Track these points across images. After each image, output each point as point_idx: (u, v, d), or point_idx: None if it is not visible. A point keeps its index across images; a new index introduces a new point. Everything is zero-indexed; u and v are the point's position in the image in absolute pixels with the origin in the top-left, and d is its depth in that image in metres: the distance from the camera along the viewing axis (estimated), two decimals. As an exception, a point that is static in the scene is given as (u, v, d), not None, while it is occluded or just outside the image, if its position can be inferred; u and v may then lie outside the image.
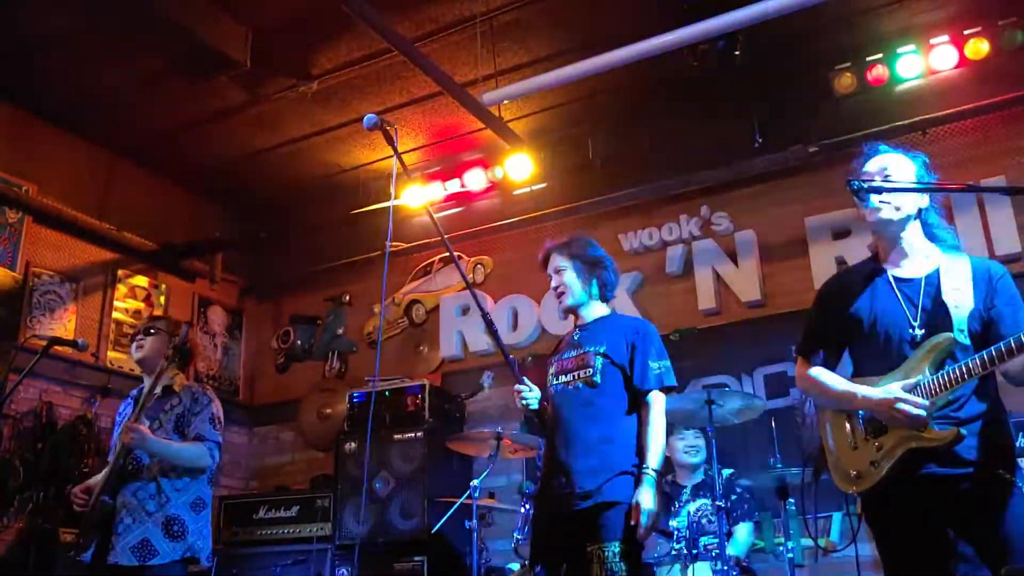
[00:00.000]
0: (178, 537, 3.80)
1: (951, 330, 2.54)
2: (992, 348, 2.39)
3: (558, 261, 3.54)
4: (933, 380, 2.48)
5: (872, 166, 2.75)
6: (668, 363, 3.37)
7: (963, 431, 2.44)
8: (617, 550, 3.02)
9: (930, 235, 2.75)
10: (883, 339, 2.64)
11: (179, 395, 4.01)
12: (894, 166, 2.73)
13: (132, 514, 3.78)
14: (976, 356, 2.42)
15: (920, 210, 2.72)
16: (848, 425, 2.68)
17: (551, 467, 3.34)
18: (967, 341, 2.54)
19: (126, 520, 3.76)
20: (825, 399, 2.80)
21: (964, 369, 2.43)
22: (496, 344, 3.53)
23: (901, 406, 2.47)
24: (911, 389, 2.50)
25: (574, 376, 3.38)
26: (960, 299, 2.58)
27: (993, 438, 2.50)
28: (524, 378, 3.44)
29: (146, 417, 3.86)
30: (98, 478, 3.99)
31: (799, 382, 2.90)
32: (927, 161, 2.79)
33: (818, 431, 2.83)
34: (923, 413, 2.45)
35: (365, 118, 3.15)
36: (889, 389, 2.52)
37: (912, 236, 2.72)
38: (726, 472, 4.79)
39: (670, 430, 5.05)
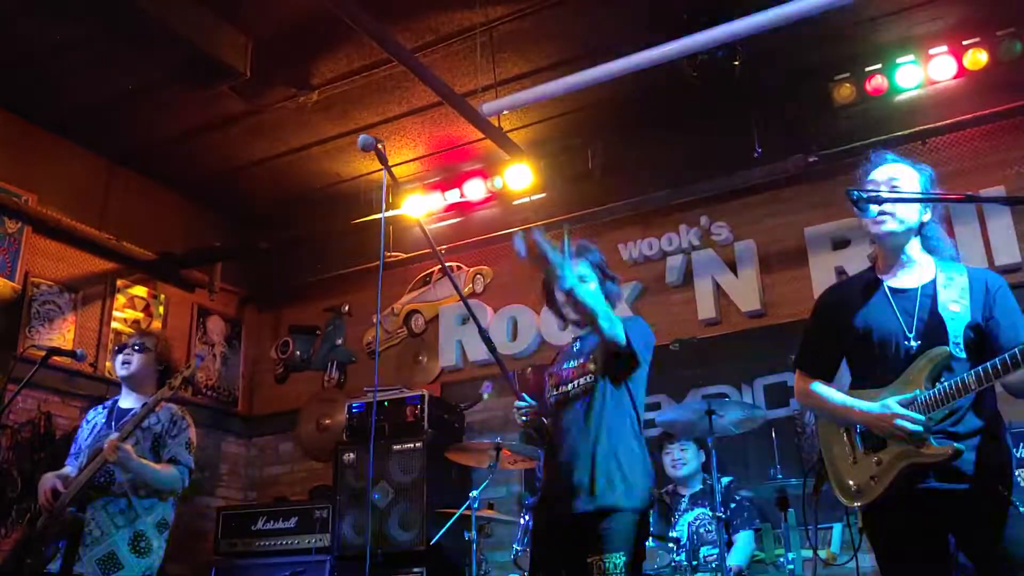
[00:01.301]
0: (143, 553, 3.83)
1: (947, 342, 2.53)
2: (988, 364, 2.38)
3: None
4: (929, 395, 2.48)
5: (880, 175, 2.76)
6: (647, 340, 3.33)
7: (961, 447, 2.43)
8: (617, 561, 3.01)
9: (928, 248, 2.75)
10: (879, 350, 2.64)
11: (157, 415, 4.01)
12: (903, 177, 2.73)
13: (100, 527, 3.80)
14: (972, 372, 2.41)
15: (922, 223, 2.73)
16: (847, 439, 2.69)
17: (550, 477, 3.33)
18: (962, 354, 2.53)
19: (94, 532, 3.78)
20: (824, 412, 2.80)
21: (960, 384, 2.43)
22: (495, 359, 3.52)
23: (899, 422, 2.47)
24: (908, 404, 2.50)
25: (573, 386, 3.36)
26: (956, 310, 2.58)
27: (991, 453, 2.50)
28: (523, 394, 3.44)
29: (117, 430, 3.86)
30: (63, 473, 3.98)
31: (798, 396, 2.91)
32: (933, 175, 2.80)
33: (818, 442, 2.83)
34: (920, 429, 2.45)
35: (360, 139, 3.15)
36: (886, 404, 2.52)
37: (912, 249, 2.73)
38: (725, 480, 4.78)
39: (662, 445, 5.06)
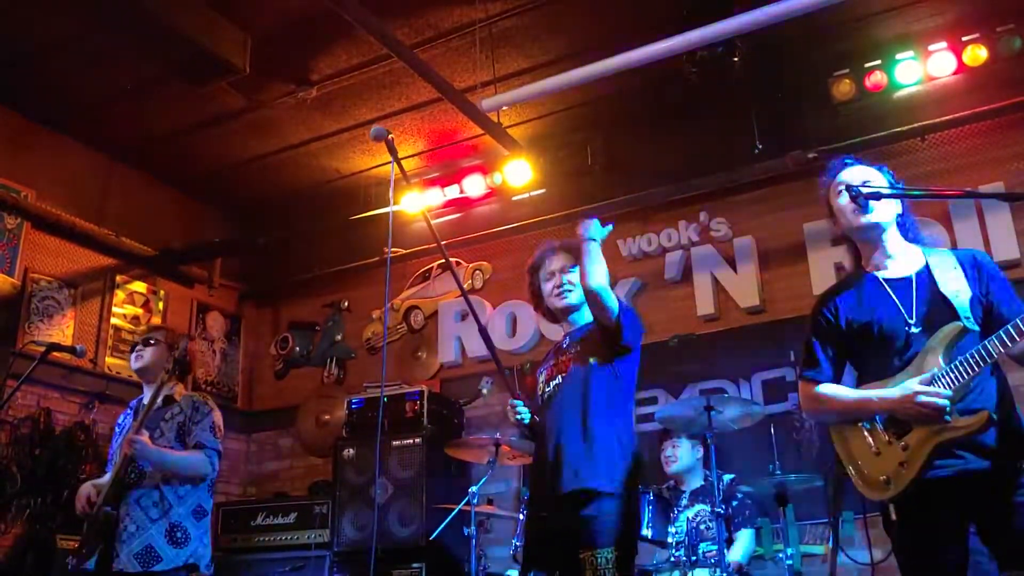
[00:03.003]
0: (181, 544, 3.82)
1: (957, 318, 2.53)
2: (1009, 326, 2.37)
3: (564, 260, 3.51)
4: (951, 369, 2.46)
5: (848, 177, 2.78)
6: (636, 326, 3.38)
7: (994, 415, 2.42)
8: (610, 556, 3.01)
9: (907, 237, 2.79)
10: (882, 342, 2.64)
11: (179, 404, 4.03)
12: (872, 178, 2.77)
13: (135, 521, 3.80)
14: (994, 337, 2.40)
15: (897, 215, 2.77)
16: (866, 432, 2.63)
17: (540, 469, 3.34)
18: (976, 327, 2.54)
19: (130, 528, 3.78)
20: (838, 414, 2.73)
21: (984, 351, 2.41)
22: (492, 356, 3.54)
23: (923, 399, 2.44)
24: (928, 383, 2.48)
25: (561, 379, 3.38)
26: (958, 288, 2.59)
27: (1011, 425, 2.49)
28: (519, 392, 3.45)
29: (147, 427, 3.87)
30: (102, 481, 4.00)
31: (806, 404, 2.85)
32: (891, 171, 2.85)
33: (816, 437, 2.81)
34: (947, 403, 2.42)
35: (373, 129, 3.20)
36: (906, 385, 2.50)
37: (892, 239, 2.76)
38: (727, 478, 4.78)
39: (660, 441, 5.07)
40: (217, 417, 4.08)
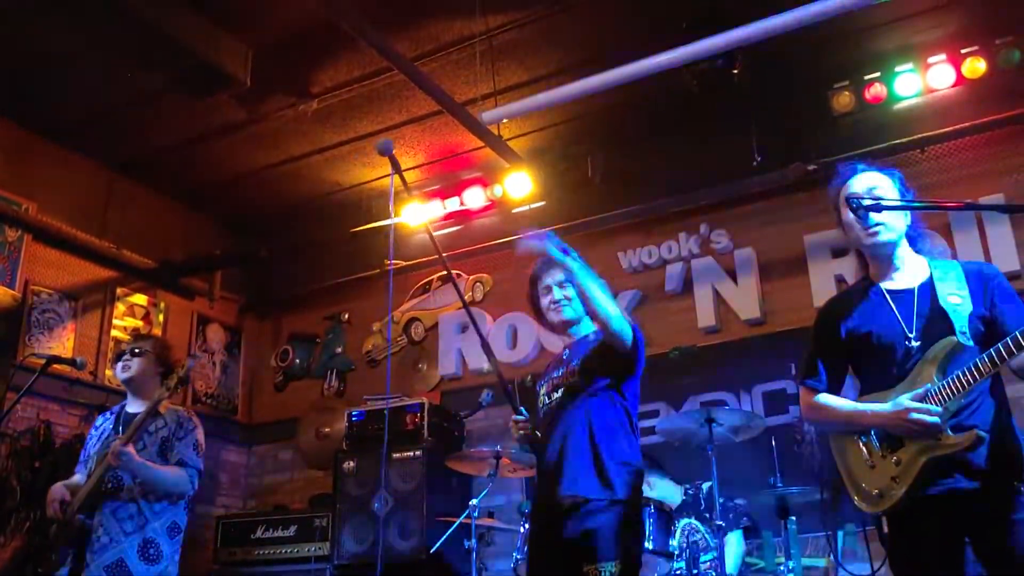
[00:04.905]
0: (153, 561, 3.80)
1: (953, 332, 2.52)
2: (1000, 344, 2.37)
3: (560, 274, 3.49)
4: (943, 386, 2.46)
5: (858, 186, 2.75)
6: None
7: (983, 433, 2.41)
8: (614, 571, 3.00)
9: (917, 248, 2.77)
10: (881, 353, 2.64)
11: (164, 418, 4.00)
12: (881, 185, 2.74)
13: (109, 533, 3.77)
14: (984, 355, 2.40)
15: (907, 227, 2.75)
16: (862, 444, 2.64)
17: (542, 481, 3.33)
18: (970, 342, 2.52)
19: (103, 539, 3.75)
20: (835, 424, 2.76)
21: (974, 370, 2.41)
22: (495, 370, 3.54)
23: (914, 416, 2.45)
24: (921, 398, 2.48)
25: (562, 392, 3.38)
26: (958, 301, 2.58)
27: (1006, 446, 2.48)
28: (522, 408, 3.45)
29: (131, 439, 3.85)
30: (72, 482, 3.97)
31: (806, 412, 2.86)
32: (902, 177, 2.81)
33: (817, 449, 2.82)
34: (937, 420, 2.43)
35: (379, 143, 3.21)
36: (899, 401, 2.50)
37: (903, 251, 2.74)
38: (705, 486, 4.76)
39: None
40: (200, 435, 4.06)
